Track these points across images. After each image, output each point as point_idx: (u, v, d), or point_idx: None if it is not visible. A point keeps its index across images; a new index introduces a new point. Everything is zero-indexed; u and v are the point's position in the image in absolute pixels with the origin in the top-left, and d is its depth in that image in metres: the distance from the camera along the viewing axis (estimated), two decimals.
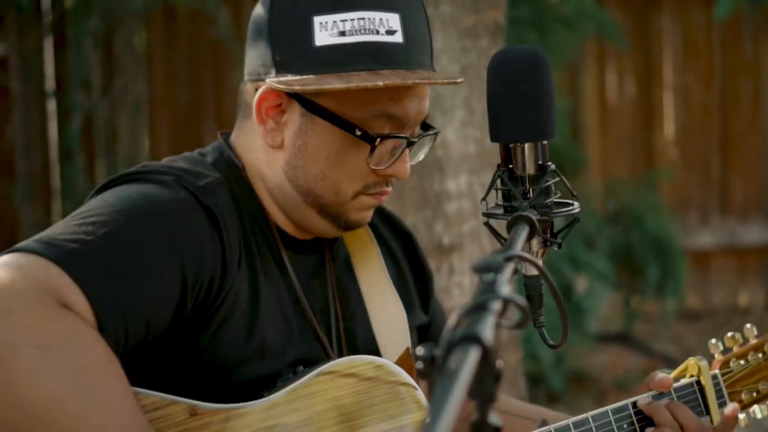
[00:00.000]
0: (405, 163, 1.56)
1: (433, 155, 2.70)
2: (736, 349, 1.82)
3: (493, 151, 2.74)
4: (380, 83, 1.46)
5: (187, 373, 1.42)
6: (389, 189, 1.60)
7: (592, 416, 1.64)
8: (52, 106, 5.71)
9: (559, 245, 1.51)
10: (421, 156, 1.63)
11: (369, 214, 1.61)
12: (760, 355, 1.82)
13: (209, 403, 1.38)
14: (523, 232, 1.37)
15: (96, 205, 1.41)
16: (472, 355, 0.95)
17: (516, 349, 2.82)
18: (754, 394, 1.80)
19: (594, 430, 1.63)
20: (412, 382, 1.51)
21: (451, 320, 1.03)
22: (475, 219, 2.72)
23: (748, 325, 1.87)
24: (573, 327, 5.01)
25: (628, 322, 5.64)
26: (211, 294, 1.42)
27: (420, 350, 1.03)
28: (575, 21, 5.38)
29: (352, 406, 1.47)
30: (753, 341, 1.85)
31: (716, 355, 1.81)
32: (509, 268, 1.19)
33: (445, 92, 2.65)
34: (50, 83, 5.70)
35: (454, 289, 2.69)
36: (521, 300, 1.08)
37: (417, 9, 1.56)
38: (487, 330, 1.00)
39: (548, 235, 1.51)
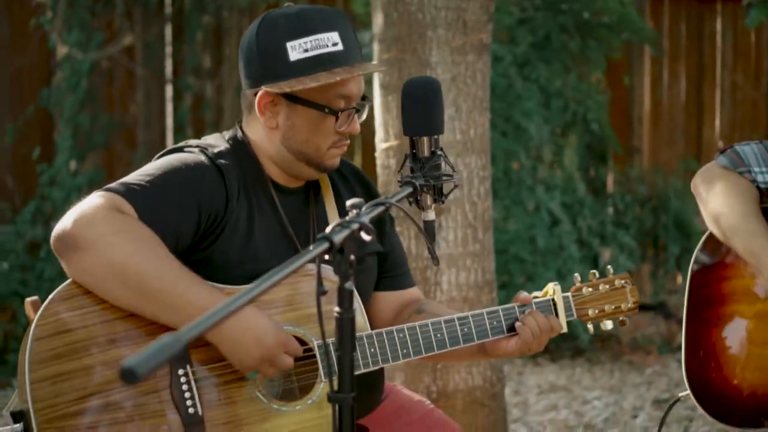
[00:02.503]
0: (356, 123, 2.45)
1: None
2: (591, 281, 2.66)
3: (476, 139, 3.62)
4: (337, 78, 2.34)
5: (205, 271, 2.32)
6: (347, 141, 2.47)
7: (472, 314, 2.50)
8: (169, 87, 6.73)
9: (443, 202, 2.38)
10: (363, 117, 2.48)
11: (338, 160, 2.47)
12: (608, 286, 2.64)
13: (221, 284, 2.30)
14: (406, 190, 2.25)
15: (151, 165, 2.35)
16: (322, 246, 1.85)
17: (490, 290, 3.68)
18: (597, 312, 2.62)
19: (471, 323, 2.48)
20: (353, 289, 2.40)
21: (327, 229, 1.91)
22: (459, 190, 3.59)
23: (609, 267, 2.71)
24: None
25: (654, 294, 6.41)
26: (218, 219, 2.32)
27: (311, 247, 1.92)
28: (616, 27, 6.16)
29: (307, 293, 2.36)
30: (608, 278, 2.69)
31: (576, 284, 2.65)
32: (377, 209, 2.08)
33: None
34: (168, 68, 6.72)
35: (441, 242, 3.58)
36: (366, 233, 1.95)
37: (347, 25, 2.42)
38: (339, 236, 1.89)
39: (440, 197, 2.38)
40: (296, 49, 2.39)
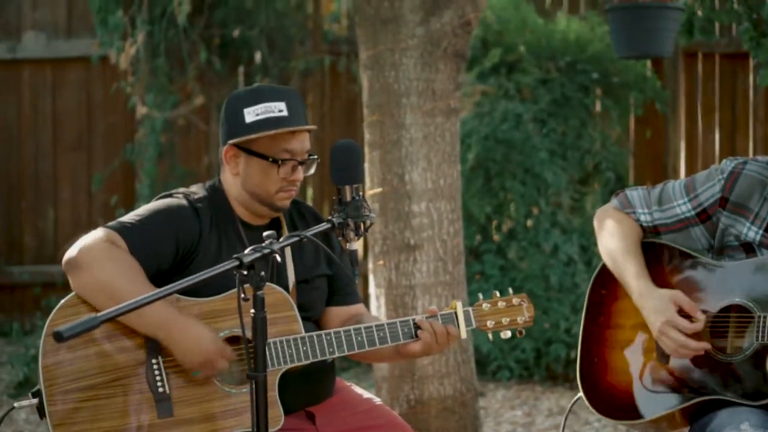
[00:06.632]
0: (298, 173, 3.16)
1: (404, 189, 4.30)
2: (492, 299, 3.30)
3: (446, 187, 4.32)
4: (270, 133, 3.07)
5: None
6: (295, 188, 3.17)
7: (388, 323, 3.17)
8: None
9: (362, 236, 3.07)
10: (311, 171, 3.19)
11: (288, 202, 3.18)
12: (505, 303, 3.28)
13: (185, 296, 3.05)
14: (324, 226, 2.96)
15: (144, 207, 3.13)
16: (232, 264, 2.58)
17: None
18: (494, 323, 3.26)
19: (386, 330, 3.15)
20: (291, 301, 3.11)
21: (244, 253, 2.64)
22: (431, 229, 4.29)
23: (510, 289, 3.36)
24: None
25: None
26: (192, 248, 3.06)
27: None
28: (633, 86, 6.79)
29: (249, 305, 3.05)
30: (507, 297, 3.33)
31: (479, 301, 3.30)
32: (293, 239, 2.80)
33: (413, 150, 4.25)
34: None
35: (416, 273, 4.28)
36: (278, 256, 2.67)
37: (295, 97, 3.16)
38: (249, 257, 2.62)
39: (360, 230, 3.08)
40: (250, 114, 3.15)
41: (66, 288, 3.10)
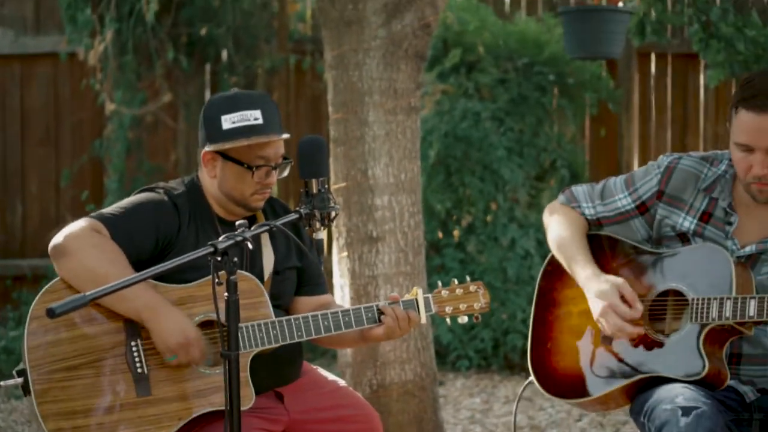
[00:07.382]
0: (272, 177, 3.36)
1: (367, 183, 4.51)
2: (451, 286, 3.52)
3: (407, 182, 4.54)
4: (245, 143, 3.26)
5: (160, 276, 3.25)
6: (269, 191, 3.38)
7: (353, 309, 3.38)
8: None
9: (327, 226, 3.28)
10: (285, 173, 3.39)
11: (262, 203, 3.38)
12: (463, 290, 3.50)
13: (162, 282, 3.25)
14: (291, 216, 3.17)
15: (127, 200, 3.31)
16: (206, 250, 2.78)
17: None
18: (453, 309, 3.48)
19: (352, 315, 3.36)
20: (262, 288, 3.32)
21: (218, 240, 2.84)
22: (392, 222, 4.50)
23: (468, 277, 3.59)
24: None
25: None
26: (171, 240, 3.25)
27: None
28: (587, 86, 7.05)
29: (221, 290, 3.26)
30: (465, 284, 3.55)
31: (438, 288, 3.51)
32: (263, 228, 3.01)
33: (375, 147, 4.47)
34: None
35: (378, 263, 4.50)
36: (249, 243, 2.88)
37: (270, 104, 3.33)
38: (223, 244, 2.82)
39: (325, 221, 3.28)
40: (227, 121, 3.33)
41: (36, 282, 3.28)
